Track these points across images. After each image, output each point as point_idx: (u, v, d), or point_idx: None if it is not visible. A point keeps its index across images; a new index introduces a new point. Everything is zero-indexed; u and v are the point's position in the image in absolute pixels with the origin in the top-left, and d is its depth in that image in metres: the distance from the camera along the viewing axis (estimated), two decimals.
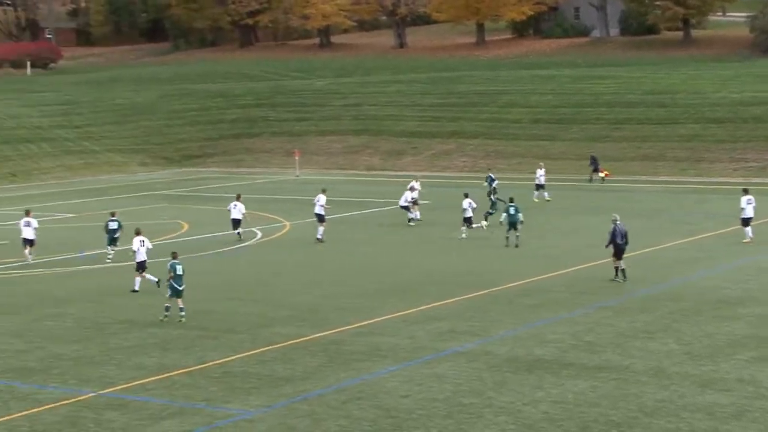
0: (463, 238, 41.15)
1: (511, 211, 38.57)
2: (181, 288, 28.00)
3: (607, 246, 32.57)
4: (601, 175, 61.92)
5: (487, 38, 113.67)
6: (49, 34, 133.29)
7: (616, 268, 32.39)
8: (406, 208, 44.99)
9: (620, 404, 20.26)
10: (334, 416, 19.87)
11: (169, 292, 28.10)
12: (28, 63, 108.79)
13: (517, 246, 38.31)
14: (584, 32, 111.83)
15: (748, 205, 39.43)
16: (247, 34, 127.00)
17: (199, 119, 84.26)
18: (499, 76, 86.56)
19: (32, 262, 37.83)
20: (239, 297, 30.71)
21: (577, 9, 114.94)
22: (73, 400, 21.14)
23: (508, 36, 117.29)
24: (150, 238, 42.07)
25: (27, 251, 38.16)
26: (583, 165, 66.28)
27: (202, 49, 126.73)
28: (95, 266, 37.00)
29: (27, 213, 39.47)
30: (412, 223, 44.63)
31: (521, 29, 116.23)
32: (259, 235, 43.58)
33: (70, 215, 50.59)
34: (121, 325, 27.61)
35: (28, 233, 38.24)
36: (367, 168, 72.36)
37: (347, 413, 20.02)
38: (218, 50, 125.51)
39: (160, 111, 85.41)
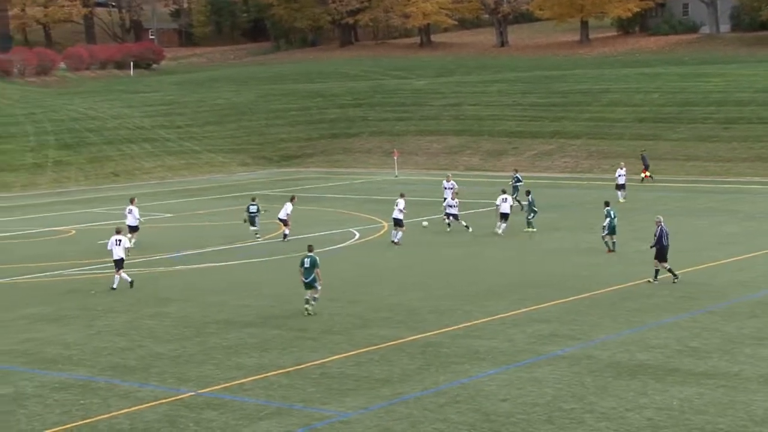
0: (498, 233, 42.10)
1: (612, 215, 38.03)
2: (306, 280, 28.77)
3: (652, 247, 31.99)
4: (642, 176, 60.86)
5: (591, 36, 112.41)
6: (152, 35, 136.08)
7: (657, 270, 31.88)
8: (455, 216, 44.36)
9: (728, 412, 19.82)
10: (432, 419, 19.86)
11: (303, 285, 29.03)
12: (131, 64, 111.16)
13: (613, 250, 37.66)
14: (693, 29, 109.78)
15: None
16: (347, 34, 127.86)
17: (299, 119, 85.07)
18: (603, 74, 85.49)
19: (132, 245, 39.65)
20: (337, 298, 30.89)
21: (685, 5, 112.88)
22: (172, 398, 21.53)
23: (614, 33, 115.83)
24: (249, 238, 42.99)
25: (130, 237, 40.33)
26: (693, 166, 65.25)
27: (302, 49, 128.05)
28: (194, 266, 37.67)
29: (131, 201, 42.58)
30: (449, 227, 44.11)
31: (627, 26, 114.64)
32: (357, 235, 43.81)
33: (169, 215, 51.50)
34: (219, 324, 28.03)
35: (132, 220, 41.42)
36: (467, 168, 72.18)
37: (445, 416, 19.99)
38: (318, 50, 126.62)
39: (260, 111, 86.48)
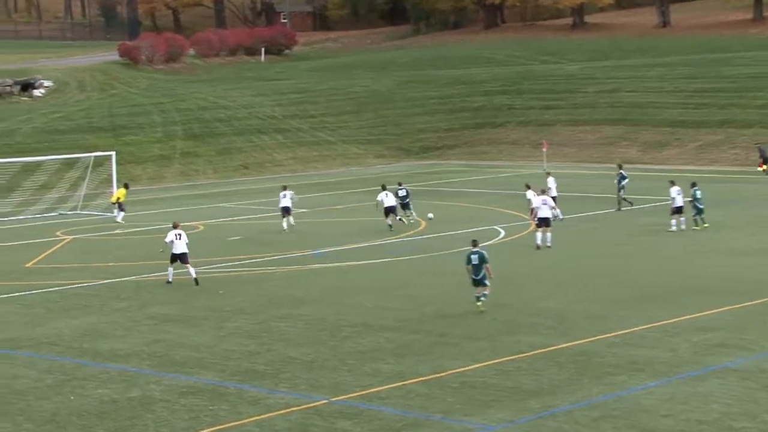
0: (672, 231, 41.83)
1: None
2: (477, 277, 29.24)
3: None
4: (760, 169, 58.76)
5: (765, 13, 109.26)
6: (284, 19, 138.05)
7: None
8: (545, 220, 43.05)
9: None
10: None
11: (472, 282, 29.53)
12: (263, 49, 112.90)
13: None
14: None
15: None
16: (492, 15, 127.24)
17: (440, 108, 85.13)
18: None
19: (286, 229, 45.03)
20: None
21: None
22: (304, 406, 21.76)
23: None
24: (386, 236, 43.25)
25: (284, 220, 45.43)
26: None
27: (444, 32, 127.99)
28: (329, 264, 38.07)
29: (284, 188, 46.90)
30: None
31: None
32: (503, 233, 43.60)
33: (303, 210, 52.12)
34: (354, 328, 28.24)
35: (286, 202, 45.88)
36: (624, 161, 70.94)
37: None
38: (461, 33, 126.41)
39: (398, 99, 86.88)
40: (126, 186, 53.17)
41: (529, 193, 43.99)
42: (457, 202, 54.40)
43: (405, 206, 46.44)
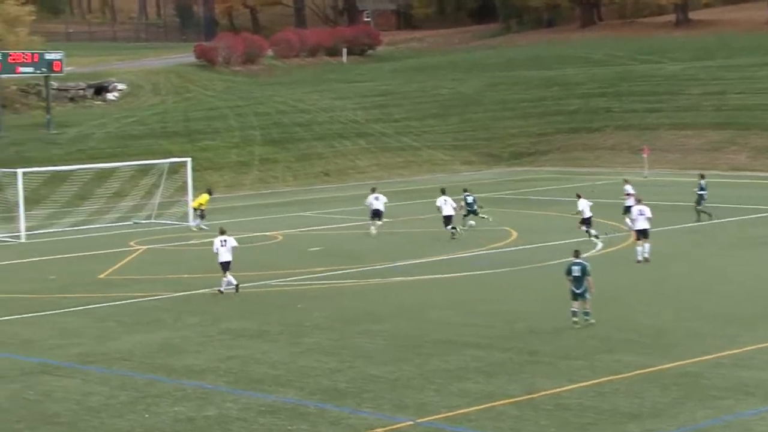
0: None
1: None
2: (578, 291, 29.21)
3: None
4: None
5: None
6: (367, 17, 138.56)
7: None
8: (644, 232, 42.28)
9: None
10: None
11: (570, 295, 29.58)
12: (344, 50, 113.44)
13: None
14: None
15: None
16: (589, 12, 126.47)
17: (532, 111, 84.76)
18: None
19: (374, 234, 46.67)
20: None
21: None
22: (389, 427, 21.79)
23: None
24: (474, 247, 43.14)
25: (372, 225, 46.93)
26: None
27: (536, 30, 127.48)
28: (412, 278, 38.08)
29: (373, 190, 48.58)
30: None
31: None
32: (600, 246, 43.24)
33: (387, 220, 52.21)
34: (439, 344, 28.21)
35: (378, 205, 47.35)
36: (731, 168, 70.10)
37: None
38: (555, 31, 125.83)
39: (487, 102, 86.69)
40: (209, 192, 53.73)
41: (581, 202, 44.38)
42: (550, 211, 54.05)
43: (471, 213, 48.04)
